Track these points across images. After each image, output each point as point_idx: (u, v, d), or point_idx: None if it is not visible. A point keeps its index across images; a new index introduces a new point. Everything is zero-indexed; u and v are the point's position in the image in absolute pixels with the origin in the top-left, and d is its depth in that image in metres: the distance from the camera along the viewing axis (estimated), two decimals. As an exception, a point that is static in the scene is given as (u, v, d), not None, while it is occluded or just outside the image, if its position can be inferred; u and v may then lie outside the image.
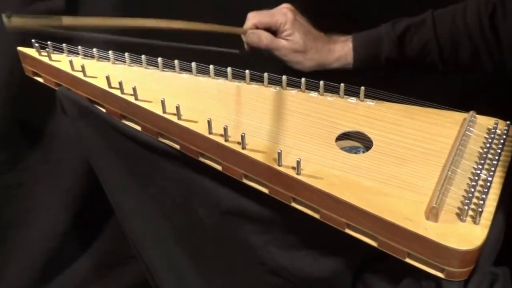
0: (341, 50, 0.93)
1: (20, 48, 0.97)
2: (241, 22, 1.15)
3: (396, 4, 1.09)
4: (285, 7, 0.87)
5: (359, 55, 0.94)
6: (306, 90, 0.92)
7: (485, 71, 0.92)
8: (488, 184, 0.71)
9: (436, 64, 0.94)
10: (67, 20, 0.78)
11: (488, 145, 0.78)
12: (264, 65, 0.90)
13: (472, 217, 0.68)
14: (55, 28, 0.80)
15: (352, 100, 0.90)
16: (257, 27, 0.87)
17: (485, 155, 0.77)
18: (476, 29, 0.89)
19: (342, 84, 0.89)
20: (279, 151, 0.74)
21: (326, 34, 0.93)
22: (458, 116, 0.85)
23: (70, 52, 0.96)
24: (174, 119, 0.82)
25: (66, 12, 1.14)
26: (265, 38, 0.87)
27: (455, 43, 0.92)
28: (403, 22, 0.94)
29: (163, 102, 0.83)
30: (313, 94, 0.92)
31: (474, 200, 0.70)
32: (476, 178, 0.73)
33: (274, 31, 0.88)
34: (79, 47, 0.96)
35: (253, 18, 0.87)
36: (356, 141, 0.84)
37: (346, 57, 0.94)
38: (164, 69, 0.96)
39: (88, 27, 0.86)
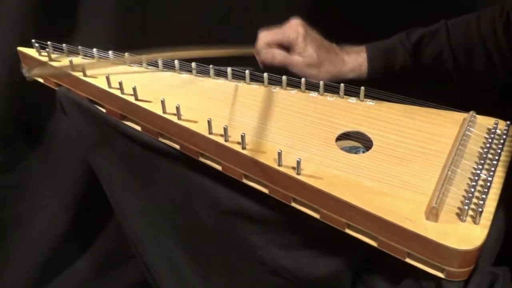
0: (354, 60, 0.93)
1: (20, 48, 0.97)
2: (241, 22, 1.16)
3: (390, 6, 1.10)
4: (295, 23, 0.87)
5: (374, 65, 0.93)
6: (306, 90, 0.92)
7: (497, 78, 0.92)
8: (488, 184, 0.71)
9: (450, 74, 0.93)
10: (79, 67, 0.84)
11: (488, 145, 0.78)
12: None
13: (472, 217, 0.68)
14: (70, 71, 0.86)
15: (352, 100, 0.90)
16: (269, 45, 0.87)
17: (485, 155, 0.77)
18: (491, 38, 0.89)
19: (342, 84, 0.89)
20: (279, 151, 0.74)
21: (338, 45, 0.93)
22: (458, 116, 0.85)
23: (70, 52, 0.96)
24: (174, 119, 0.82)
25: (66, 8, 1.15)
26: (279, 55, 0.87)
27: (470, 52, 0.91)
28: (417, 31, 0.93)
29: (163, 102, 0.83)
30: (313, 94, 0.92)
31: (474, 200, 0.70)
32: (476, 178, 0.73)
33: (286, 47, 0.87)
34: (79, 47, 0.96)
35: (265, 36, 0.87)
36: (356, 141, 0.84)
37: (360, 67, 0.93)
38: (164, 69, 0.96)
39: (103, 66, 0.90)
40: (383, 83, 0.94)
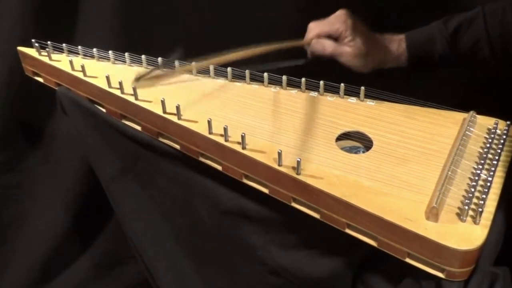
0: (396, 50, 0.94)
1: (20, 48, 0.97)
2: (240, 21, 1.16)
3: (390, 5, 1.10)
4: (343, 14, 0.89)
5: (413, 54, 0.94)
6: (306, 90, 0.92)
7: None
8: (488, 184, 0.71)
9: (487, 60, 0.94)
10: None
11: (488, 145, 0.78)
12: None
13: (472, 217, 0.68)
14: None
15: (352, 100, 0.90)
16: (319, 36, 0.89)
17: (485, 155, 0.76)
18: None
19: (342, 84, 0.90)
20: (279, 151, 0.74)
21: (379, 34, 0.94)
22: (458, 116, 0.85)
23: (70, 52, 0.96)
24: (174, 119, 0.82)
25: (66, 8, 1.15)
26: (329, 46, 0.88)
27: (506, 38, 0.91)
28: (454, 19, 0.94)
29: (163, 102, 0.83)
30: (313, 94, 0.92)
31: (474, 200, 0.70)
32: (476, 178, 0.72)
33: (335, 38, 0.89)
34: (79, 47, 0.96)
35: (314, 28, 0.89)
36: (356, 141, 0.84)
37: (401, 56, 0.95)
38: (164, 69, 0.96)
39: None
40: (422, 71, 0.95)
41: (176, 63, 0.92)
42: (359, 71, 0.91)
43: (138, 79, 0.86)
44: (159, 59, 0.92)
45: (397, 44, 0.94)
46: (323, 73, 0.92)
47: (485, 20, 0.92)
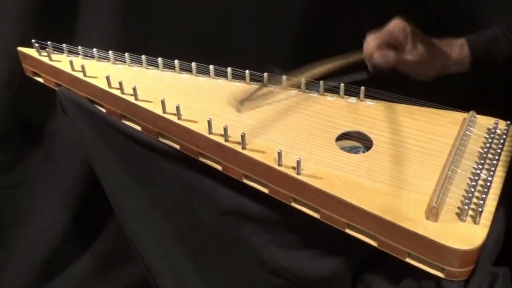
0: (458, 54, 0.92)
1: (20, 48, 0.97)
2: (240, 21, 1.16)
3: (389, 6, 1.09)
4: (401, 22, 0.86)
5: (477, 57, 0.92)
6: (306, 90, 0.92)
7: None
8: (488, 184, 0.71)
9: None
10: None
11: (488, 145, 0.78)
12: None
13: (472, 217, 0.68)
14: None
15: (352, 100, 0.90)
16: (379, 47, 0.86)
17: (485, 155, 0.76)
18: None
19: (342, 84, 0.89)
20: (279, 151, 0.74)
21: (438, 40, 0.91)
22: (458, 116, 0.85)
23: (70, 52, 0.96)
24: (174, 119, 0.82)
25: (66, 9, 1.15)
26: (392, 57, 0.86)
27: None
28: None
29: (163, 102, 0.83)
30: (313, 94, 0.92)
31: (474, 200, 0.70)
32: (476, 178, 0.72)
33: (395, 47, 0.87)
34: (79, 47, 0.96)
35: (374, 39, 0.86)
36: (356, 141, 0.84)
37: (463, 60, 0.92)
38: (164, 69, 0.96)
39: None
40: (481, 74, 0.94)
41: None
42: (422, 79, 0.89)
43: (242, 101, 0.85)
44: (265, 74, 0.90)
45: (459, 48, 0.91)
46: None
47: None
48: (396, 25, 0.86)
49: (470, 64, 0.92)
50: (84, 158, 1.18)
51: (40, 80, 0.97)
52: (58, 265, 1.35)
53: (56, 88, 0.95)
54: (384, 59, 0.85)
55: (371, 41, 0.86)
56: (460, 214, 0.68)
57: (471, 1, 1.05)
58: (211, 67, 0.94)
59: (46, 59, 0.94)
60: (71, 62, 0.92)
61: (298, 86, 0.92)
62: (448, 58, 0.91)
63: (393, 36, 0.85)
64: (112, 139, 0.91)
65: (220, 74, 0.95)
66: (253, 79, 0.93)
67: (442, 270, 0.67)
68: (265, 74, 0.90)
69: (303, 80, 0.91)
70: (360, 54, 0.87)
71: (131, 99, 0.86)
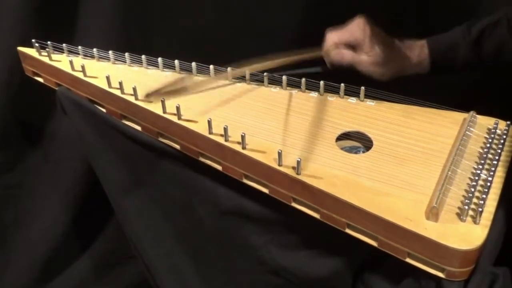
0: (418, 56, 0.92)
1: (20, 48, 0.97)
2: (240, 21, 1.16)
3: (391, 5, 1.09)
4: (361, 22, 0.87)
5: (436, 60, 0.92)
6: (306, 90, 0.92)
7: None
8: (488, 184, 0.71)
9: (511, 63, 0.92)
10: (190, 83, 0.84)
11: (488, 145, 0.78)
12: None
13: (472, 217, 0.68)
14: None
15: (352, 100, 0.90)
16: (337, 45, 0.87)
17: (485, 155, 0.76)
18: None
19: (342, 84, 0.90)
20: (279, 151, 0.74)
21: (399, 40, 0.92)
22: (458, 116, 0.85)
23: (70, 52, 0.96)
24: (174, 119, 0.82)
25: (66, 9, 1.15)
26: (347, 56, 0.87)
27: None
28: (478, 24, 0.92)
29: (163, 102, 0.83)
30: (313, 94, 0.92)
31: (474, 200, 0.70)
32: (476, 178, 0.72)
33: (353, 47, 0.88)
34: (79, 47, 0.96)
35: (333, 37, 0.88)
36: (356, 141, 0.84)
37: (423, 63, 0.92)
38: (164, 69, 0.96)
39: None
40: (442, 76, 0.94)
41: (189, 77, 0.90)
42: (378, 79, 0.89)
43: (150, 94, 0.85)
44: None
45: (418, 50, 0.92)
46: (323, 73, 0.92)
47: (509, 23, 0.90)
48: (356, 24, 0.87)
49: (429, 66, 0.92)
50: (84, 158, 1.18)
51: (40, 80, 0.97)
52: (58, 265, 1.35)
53: (56, 88, 0.95)
54: (340, 57, 0.87)
55: (329, 38, 0.87)
56: (460, 214, 0.68)
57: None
58: (211, 67, 0.94)
59: (46, 59, 0.94)
60: (71, 62, 0.92)
61: (243, 77, 0.93)
62: (407, 60, 0.91)
63: (352, 35, 0.87)
64: (112, 139, 0.91)
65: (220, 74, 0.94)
66: (253, 79, 0.93)
67: (442, 270, 0.67)
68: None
69: (303, 80, 0.91)
70: (319, 50, 0.89)
71: (131, 99, 0.86)
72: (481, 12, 0.96)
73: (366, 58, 0.87)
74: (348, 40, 0.87)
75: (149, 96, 0.84)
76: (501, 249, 0.70)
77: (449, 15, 0.98)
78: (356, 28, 0.87)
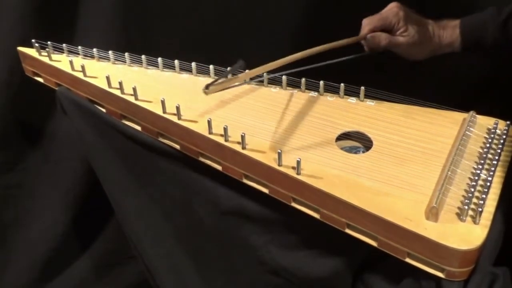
0: (450, 36, 0.95)
1: (20, 48, 0.97)
2: (240, 20, 1.16)
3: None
4: (394, 6, 0.91)
5: (466, 40, 0.96)
6: (306, 90, 0.92)
7: None
8: (488, 184, 0.71)
9: None
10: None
11: (488, 145, 0.78)
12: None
13: (472, 217, 0.68)
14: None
15: (352, 100, 0.90)
16: (373, 31, 0.91)
17: (485, 155, 0.77)
18: None
19: (342, 84, 0.90)
20: (279, 151, 0.74)
21: (434, 21, 0.96)
22: (458, 116, 0.85)
23: (70, 52, 0.96)
24: (174, 119, 0.82)
25: (66, 8, 1.15)
26: (384, 39, 0.91)
27: None
28: (509, 6, 0.95)
29: (163, 102, 0.83)
30: (313, 94, 0.92)
31: (474, 200, 0.70)
32: (476, 178, 0.73)
33: (389, 30, 0.92)
34: (79, 47, 0.96)
35: (368, 24, 0.92)
36: (356, 141, 0.84)
37: (455, 42, 0.96)
38: (164, 69, 0.96)
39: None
40: (474, 55, 0.97)
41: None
42: (415, 59, 0.94)
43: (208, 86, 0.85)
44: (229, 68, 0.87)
45: (451, 30, 0.95)
46: (323, 73, 0.92)
47: None
48: (389, 9, 0.91)
49: (460, 46, 0.95)
50: (84, 158, 1.18)
51: (40, 80, 0.97)
52: (58, 265, 1.35)
53: (56, 88, 0.95)
54: (377, 41, 0.91)
55: (365, 25, 0.91)
56: (460, 214, 0.68)
57: None
58: (211, 67, 0.94)
59: (46, 59, 0.94)
60: (71, 62, 0.92)
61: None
62: (441, 40, 0.94)
63: (386, 20, 0.91)
64: (112, 139, 0.91)
65: (220, 74, 0.94)
66: (253, 78, 0.93)
67: (442, 270, 0.67)
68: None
69: (303, 80, 0.91)
70: (356, 37, 0.92)
71: (131, 99, 0.86)
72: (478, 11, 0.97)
73: (402, 39, 0.91)
74: (383, 24, 0.91)
75: (208, 87, 0.84)
76: (501, 249, 0.70)
77: (447, 14, 0.98)
78: (390, 12, 0.91)
